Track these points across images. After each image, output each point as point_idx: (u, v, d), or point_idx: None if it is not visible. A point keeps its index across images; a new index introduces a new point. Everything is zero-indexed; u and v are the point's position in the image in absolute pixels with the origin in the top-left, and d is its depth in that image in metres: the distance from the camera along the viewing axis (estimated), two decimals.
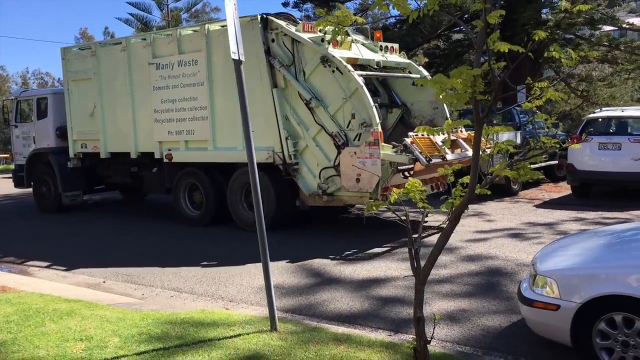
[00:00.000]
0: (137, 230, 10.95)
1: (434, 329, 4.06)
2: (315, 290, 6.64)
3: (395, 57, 10.51)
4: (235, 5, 5.03)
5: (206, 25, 10.15)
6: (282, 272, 7.33)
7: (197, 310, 5.84)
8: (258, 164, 8.65)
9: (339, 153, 8.77)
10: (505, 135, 9.04)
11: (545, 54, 3.72)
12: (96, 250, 9.37)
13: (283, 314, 5.75)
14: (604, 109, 14.06)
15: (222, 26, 9.66)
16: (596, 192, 12.70)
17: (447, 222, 3.83)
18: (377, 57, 10.04)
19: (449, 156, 8.68)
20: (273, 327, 5.02)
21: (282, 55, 9.34)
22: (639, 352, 3.92)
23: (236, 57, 4.93)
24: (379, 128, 8.47)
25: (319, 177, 9.05)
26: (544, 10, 17.95)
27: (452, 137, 9.06)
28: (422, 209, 4.00)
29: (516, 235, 8.96)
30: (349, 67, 8.91)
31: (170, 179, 11.15)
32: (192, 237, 10.01)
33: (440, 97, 3.39)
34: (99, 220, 12.33)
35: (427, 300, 5.81)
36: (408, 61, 10.78)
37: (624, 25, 18.24)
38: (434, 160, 8.38)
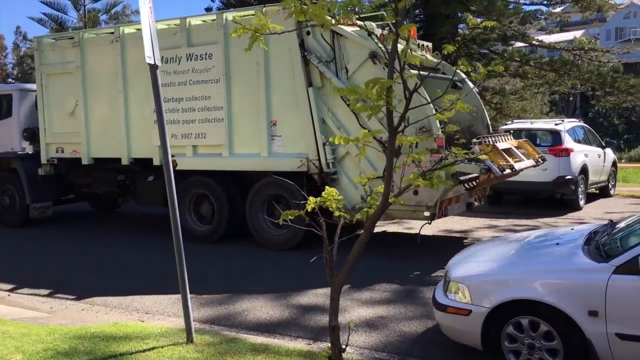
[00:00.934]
0: (60, 242, 10.26)
1: (348, 337, 4.08)
2: (234, 300, 6.54)
3: (430, 57, 9.57)
4: (151, 8, 4.90)
5: (224, 15, 9.08)
6: (201, 282, 7.18)
7: (109, 324, 5.58)
8: (287, 173, 8.41)
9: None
10: None
11: (455, 68, 3.86)
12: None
13: (201, 325, 5.63)
14: (515, 121, 14.80)
15: (244, 16, 8.78)
16: (508, 200, 13.27)
17: (362, 231, 3.86)
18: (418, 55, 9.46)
19: (517, 165, 8.16)
20: (189, 339, 4.88)
21: (320, 50, 8.42)
22: (543, 354, 4.10)
23: (152, 62, 4.82)
24: (441, 134, 7.68)
25: (364, 189, 8.36)
26: (461, 25, 18.66)
27: (506, 146, 8.58)
28: (339, 219, 4.08)
29: (433, 242, 9.20)
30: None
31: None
32: (120, 245, 9.65)
33: (355, 107, 3.45)
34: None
35: (346, 308, 5.95)
36: (442, 61, 9.97)
37: (533, 42, 19.27)
38: (506, 171, 7.85)
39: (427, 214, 7.89)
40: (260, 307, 6.24)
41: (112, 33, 10.39)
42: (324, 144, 8.34)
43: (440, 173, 4.15)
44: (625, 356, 3.85)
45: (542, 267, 4.41)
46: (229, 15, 9.12)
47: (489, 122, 9.85)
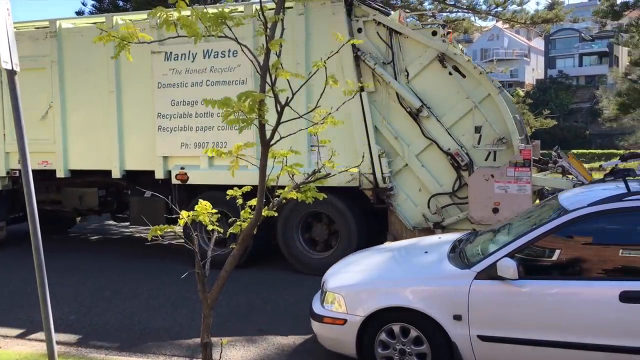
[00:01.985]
0: None
1: (221, 353, 4.06)
2: (105, 318, 6.13)
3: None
4: (8, 10, 4.36)
5: (253, 6, 7.56)
6: (72, 299, 6.71)
7: None
8: (335, 188, 7.06)
9: (460, 176, 7.16)
10: None
11: None
12: None
13: (66, 349, 5.27)
14: None
15: (271, 9, 7.52)
16: None
17: (235, 245, 3.80)
18: None
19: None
20: None
21: (374, 50, 7.42)
22: (413, 358, 4.28)
23: (9, 67, 4.32)
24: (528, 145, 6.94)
25: (427, 206, 7.33)
26: None
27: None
28: (212, 233, 4.08)
29: None
30: (479, 68, 7.30)
31: (181, 207, 8.88)
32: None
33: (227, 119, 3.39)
34: None
35: (224, 322, 5.84)
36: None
37: None
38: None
39: None
40: (133, 325, 5.89)
41: (103, 22, 8.77)
42: (379, 156, 7.34)
43: (312, 186, 4.04)
44: (486, 356, 4.08)
45: (411, 275, 4.60)
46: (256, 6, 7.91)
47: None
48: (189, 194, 8.37)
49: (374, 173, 7.35)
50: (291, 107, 3.45)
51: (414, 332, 4.24)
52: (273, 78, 3.38)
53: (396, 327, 4.30)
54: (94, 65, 8.62)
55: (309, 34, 7.57)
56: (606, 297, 3.80)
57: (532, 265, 4.10)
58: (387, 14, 7.70)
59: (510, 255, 4.04)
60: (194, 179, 8.16)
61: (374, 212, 7.73)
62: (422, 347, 4.23)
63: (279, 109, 3.42)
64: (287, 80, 3.45)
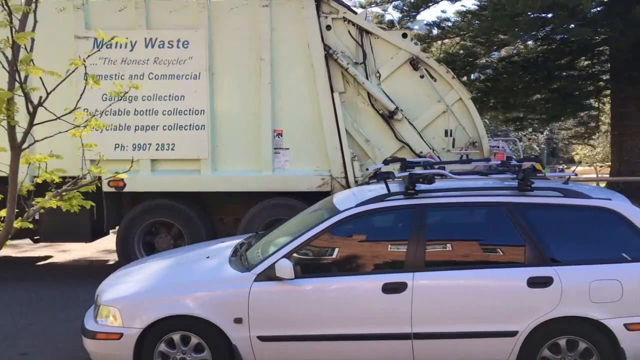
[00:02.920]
0: None
1: None
2: None
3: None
4: None
5: None
6: None
7: None
8: (301, 193, 6.90)
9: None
10: None
11: None
12: None
13: None
14: None
15: None
16: None
17: None
18: None
19: None
20: None
21: (345, 49, 7.09)
22: None
23: None
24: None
25: None
26: None
27: None
28: None
29: (92, 265, 8.63)
30: (451, 72, 7.19)
31: (115, 217, 7.29)
32: None
33: None
34: None
35: None
36: None
37: None
38: None
39: None
40: None
41: None
42: (351, 159, 7.05)
43: (77, 193, 3.72)
44: (265, 356, 4.16)
45: (191, 281, 4.49)
46: None
47: None
48: (132, 202, 7.26)
49: (346, 177, 7.02)
50: (46, 108, 3.10)
51: (194, 340, 4.19)
52: (23, 75, 3.01)
53: (176, 336, 4.19)
54: None
55: (274, 29, 7.00)
56: (372, 290, 4.06)
57: (309, 264, 4.26)
58: (355, 13, 7.46)
59: (288, 255, 4.16)
60: (134, 185, 7.05)
61: None
62: (203, 354, 4.18)
63: (31, 109, 3.09)
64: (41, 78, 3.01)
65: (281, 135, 7.09)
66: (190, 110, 7.02)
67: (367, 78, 7.11)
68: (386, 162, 5.27)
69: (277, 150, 7.08)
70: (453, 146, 7.17)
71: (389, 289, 4.02)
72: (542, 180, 4.67)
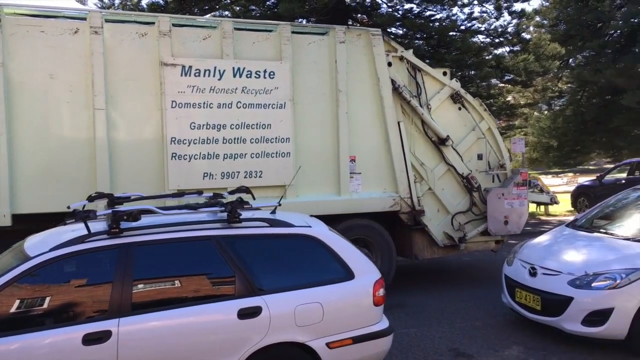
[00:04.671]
0: None
1: None
2: None
3: None
4: None
5: (288, 27, 7.41)
6: None
7: None
8: (372, 214, 7.88)
9: (471, 196, 8.39)
10: None
11: None
12: None
13: None
14: None
15: (312, 33, 7.52)
16: None
17: None
18: None
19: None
20: None
21: (401, 83, 8.01)
22: None
23: None
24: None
25: (451, 224, 8.30)
26: None
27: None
28: None
29: None
30: (483, 105, 8.38)
31: None
32: None
33: None
34: None
35: None
36: None
37: None
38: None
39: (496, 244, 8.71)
40: None
41: (84, 20, 6.58)
42: (414, 181, 7.97)
43: None
44: None
45: None
46: (292, 28, 7.49)
47: None
48: None
49: (411, 197, 7.92)
50: None
51: None
52: None
53: None
54: (64, 72, 6.45)
55: (348, 63, 7.63)
56: (72, 343, 3.70)
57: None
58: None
59: None
60: None
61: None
62: None
63: None
64: None
65: (354, 161, 7.71)
66: (276, 138, 7.25)
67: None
68: (90, 198, 4.76)
69: (352, 175, 7.67)
70: (490, 168, 8.54)
71: (90, 340, 3.70)
72: (253, 211, 4.85)
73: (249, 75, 7.13)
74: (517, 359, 5.59)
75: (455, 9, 22.43)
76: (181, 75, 6.82)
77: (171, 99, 6.78)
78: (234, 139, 7.07)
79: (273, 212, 4.81)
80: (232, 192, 5.31)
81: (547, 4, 25.13)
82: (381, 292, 4.51)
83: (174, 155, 6.79)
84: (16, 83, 6.28)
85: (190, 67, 6.86)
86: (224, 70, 7.00)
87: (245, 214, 4.48)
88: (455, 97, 8.40)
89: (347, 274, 4.43)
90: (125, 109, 6.65)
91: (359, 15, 19.69)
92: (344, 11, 15.46)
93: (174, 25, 6.86)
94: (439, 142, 8.24)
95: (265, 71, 7.19)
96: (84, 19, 6.58)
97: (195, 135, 6.90)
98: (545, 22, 24.87)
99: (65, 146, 6.43)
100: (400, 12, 20.53)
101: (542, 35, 21.59)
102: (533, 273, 6.09)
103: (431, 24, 16.32)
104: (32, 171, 6.32)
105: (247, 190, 5.29)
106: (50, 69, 6.38)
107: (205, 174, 6.94)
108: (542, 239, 6.88)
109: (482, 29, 20.56)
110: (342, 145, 7.57)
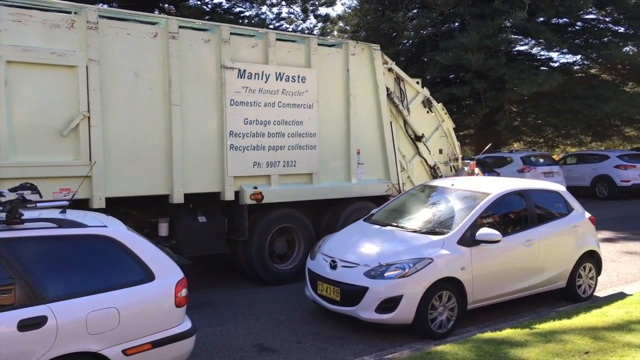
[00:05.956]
0: None
1: None
2: None
3: None
4: None
5: (312, 41, 8.74)
6: None
7: None
8: (372, 197, 9.78)
9: None
10: None
11: None
12: None
13: None
14: None
15: (330, 45, 9.03)
16: None
17: None
18: None
19: None
20: None
21: (393, 90, 9.81)
22: None
23: None
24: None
25: None
26: None
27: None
28: None
29: None
30: (445, 109, 10.41)
31: (252, 228, 8.14)
32: None
33: None
34: None
35: None
36: None
37: None
38: None
39: None
40: None
41: (156, 24, 7.36)
42: (400, 171, 9.82)
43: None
44: None
45: None
46: (314, 40, 8.79)
47: None
48: (266, 211, 8.30)
49: (399, 183, 9.76)
50: None
51: None
52: None
53: None
54: (145, 71, 7.23)
55: (356, 71, 9.22)
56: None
57: None
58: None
59: None
60: (268, 197, 8.20)
61: None
62: None
63: None
64: None
65: (359, 154, 9.33)
66: (306, 133, 8.62)
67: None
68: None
69: (357, 165, 9.30)
70: (450, 160, 10.75)
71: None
72: (40, 211, 4.43)
73: (287, 79, 8.40)
74: (317, 349, 5.79)
75: (264, 8, 23.45)
76: (237, 77, 7.91)
77: (230, 97, 7.84)
78: (276, 133, 8.32)
79: (63, 211, 4.54)
80: (13, 190, 4.68)
81: (350, 11, 27.16)
82: (183, 292, 4.39)
83: (231, 146, 7.87)
84: (109, 79, 6.95)
85: (244, 70, 7.98)
86: (269, 74, 8.21)
87: (29, 214, 4.17)
88: (426, 102, 10.41)
89: (147, 276, 4.25)
90: (194, 105, 7.59)
91: (166, 5, 20.13)
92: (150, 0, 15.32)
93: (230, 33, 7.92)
94: (416, 139, 10.19)
95: (298, 76, 8.52)
96: (155, 23, 7.38)
97: (247, 129, 8.04)
98: (348, 27, 26.88)
99: (147, 137, 7.22)
100: (209, 5, 21.58)
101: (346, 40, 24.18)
102: (334, 266, 6.36)
103: (240, 21, 17.20)
104: (121, 159, 7.04)
105: (32, 186, 4.72)
106: (135, 67, 7.13)
107: (255, 163, 8.11)
108: (342, 233, 7.28)
109: (290, 29, 22.26)
110: (352, 140, 9.15)
